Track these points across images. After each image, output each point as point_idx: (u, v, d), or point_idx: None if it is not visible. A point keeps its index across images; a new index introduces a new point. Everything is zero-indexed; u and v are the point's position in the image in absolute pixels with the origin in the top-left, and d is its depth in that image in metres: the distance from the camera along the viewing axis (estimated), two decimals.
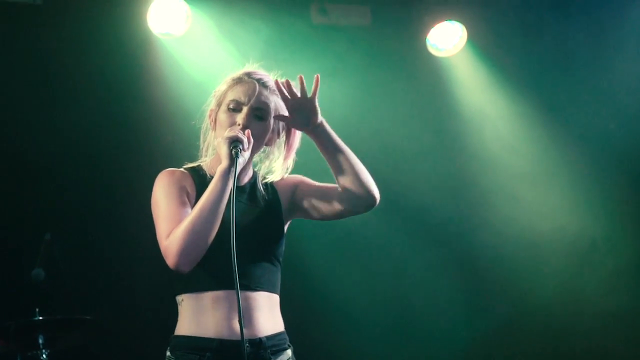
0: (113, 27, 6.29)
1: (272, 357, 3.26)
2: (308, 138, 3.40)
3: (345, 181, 3.33)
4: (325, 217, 3.46)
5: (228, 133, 3.20)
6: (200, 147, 3.50)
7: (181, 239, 3.08)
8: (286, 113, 3.35)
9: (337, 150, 3.34)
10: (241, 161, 3.18)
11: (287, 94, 3.27)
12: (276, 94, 3.33)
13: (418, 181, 7.04)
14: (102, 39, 6.28)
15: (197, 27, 6.39)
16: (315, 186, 3.49)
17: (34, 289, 5.56)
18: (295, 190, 3.51)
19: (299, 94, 3.26)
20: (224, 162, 3.16)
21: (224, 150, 3.17)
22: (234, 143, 3.17)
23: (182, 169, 3.41)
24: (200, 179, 3.36)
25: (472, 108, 7.04)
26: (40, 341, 5.23)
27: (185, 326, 3.25)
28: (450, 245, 7.16)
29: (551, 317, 7.08)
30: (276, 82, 3.29)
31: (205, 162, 3.45)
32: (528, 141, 7.07)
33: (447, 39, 6.80)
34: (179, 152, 6.36)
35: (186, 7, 6.30)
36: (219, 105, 3.37)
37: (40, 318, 5.18)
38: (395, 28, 6.79)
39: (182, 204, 3.24)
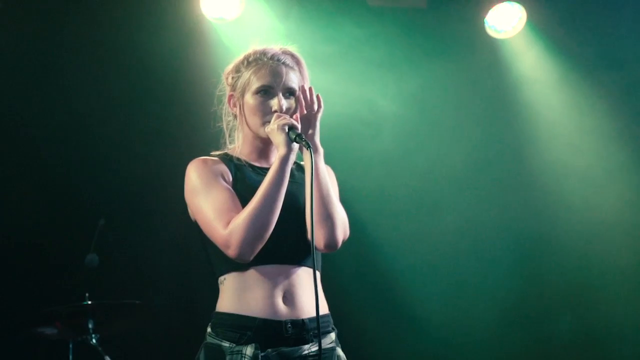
0: (164, 11, 6.38)
1: (314, 339, 3.28)
2: None
3: (315, 215, 3.31)
4: None
5: (280, 121, 3.26)
6: (224, 134, 3.56)
7: (245, 229, 3.13)
8: (305, 82, 3.46)
9: (317, 175, 3.32)
10: (296, 146, 3.26)
11: (303, 102, 3.40)
12: (295, 69, 3.43)
13: (471, 165, 7.08)
14: (153, 23, 6.38)
15: (251, 11, 6.43)
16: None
17: (87, 274, 5.64)
18: None
19: (314, 107, 3.39)
20: (282, 150, 3.22)
21: (280, 138, 3.24)
22: (292, 130, 3.24)
23: (211, 157, 3.45)
24: (234, 166, 3.41)
25: (532, 92, 6.99)
26: (90, 325, 5.37)
27: (227, 303, 3.29)
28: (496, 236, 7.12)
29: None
30: (302, 89, 3.40)
31: (232, 148, 3.51)
32: (591, 131, 6.99)
33: (506, 20, 6.75)
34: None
35: None
36: (242, 91, 3.42)
37: (90, 302, 5.30)
38: (452, 9, 6.78)
39: (229, 191, 3.29)
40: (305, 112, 3.40)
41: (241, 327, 3.24)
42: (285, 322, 3.24)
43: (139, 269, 6.43)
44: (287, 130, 3.25)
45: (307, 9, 6.55)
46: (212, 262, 3.39)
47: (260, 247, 3.18)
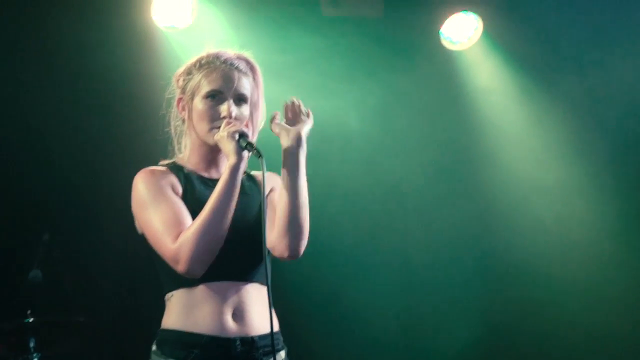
0: (115, 20, 6.25)
1: (264, 357, 3.19)
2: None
3: (283, 220, 3.23)
4: None
5: (230, 128, 3.14)
6: (173, 141, 3.44)
7: (194, 243, 3.01)
8: (254, 95, 3.36)
9: (296, 184, 3.23)
10: (246, 155, 3.14)
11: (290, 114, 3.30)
12: (248, 75, 3.33)
13: (425, 179, 6.99)
14: (104, 32, 6.25)
15: (203, 19, 6.33)
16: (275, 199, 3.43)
17: (31, 291, 5.50)
18: (271, 192, 3.49)
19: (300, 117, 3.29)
20: (232, 159, 3.10)
21: (230, 147, 3.11)
22: (243, 138, 3.13)
23: (160, 167, 3.33)
24: (184, 177, 3.29)
25: (487, 103, 6.94)
26: (31, 344, 5.21)
27: (173, 320, 3.19)
28: (459, 249, 7.08)
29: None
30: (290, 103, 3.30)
31: (181, 157, 3.40)
32: (543, 138, 6.95)
33: (462, 31, 6.70)
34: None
35: None
36: (192, 94, 3.31)
37: (31, 320, 5.16)
38: (408, 20, 6.70)
39: (178, 204, 3.17)
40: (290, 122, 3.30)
41: (188, 345, 3.13)
42: (234, 340, 3.14)
43: (84, 285, 6.26)
44: (237, 137, 3.13)
45: (260, 18, 6.46)
46: (160, 278, 3.27)
47: (210, 261, 3.06)
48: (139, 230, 3.29)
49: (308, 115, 3.32)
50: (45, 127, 6.28)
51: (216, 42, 6.25)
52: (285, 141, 3.25)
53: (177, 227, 3.08)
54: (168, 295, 3.23)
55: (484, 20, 6.65)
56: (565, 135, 6.86)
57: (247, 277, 3.22)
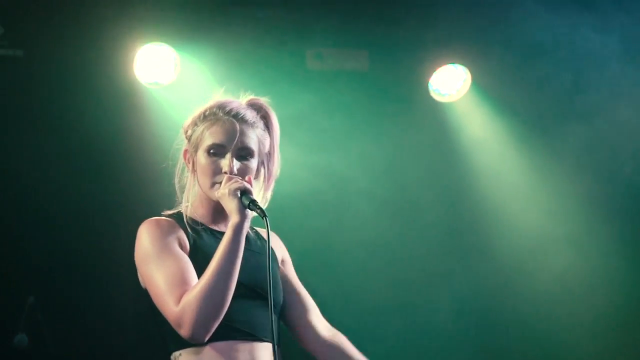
0: (97, 77, 6.18)
1: None
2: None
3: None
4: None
5: (231, 185, 3.01)
6: (176, 192, 3.32)
7: (197, 308, 2.87)
8: (266, 145, 3.26)
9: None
10: (250, 212, 3.00)
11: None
12: (256, 126, 3.21)
13: (418, 235, 6.93)
14: (86, 90, 6.17)
15: (186, 75, 6.28)
16: (294, 288, 3.40)
17: (17, 356, 5.40)
18: (282, 252, 3.44)
19: None
20: (235, 218, 2.96)
21: (232, 205, 2.98)
22: (245, 195, 2.99)
23: (165, 218, 3.21)
24: (191, 229, 3.16)
25: (483, 154, 6.92)
26: None
27: None
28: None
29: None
30: None
31: (185, 207, 3.26)
32: (538, 189, 6.92)
33: (451, 83, 6.68)
34: (168, 206, 6.37)
35: (175, 54, 6.20)
36: (196, 147, 3.20)
37: None
38: (395, 73, 6.67)
39: (181, 258, 3.03)
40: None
41: None
42: None
43: (72, 350, 6.11)
44: (239, 195, 2.99)
45: (246, 72, 6.40)
46: (164, 335, 3.11)
47: (215, 325, 2.92)
48: (142, 285, 3.16)
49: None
50: (28, 188, 6.18)
51: (201, 98, 6.30)
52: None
53: (181, 287, 2.94)
54: (175, 354, 3.08)
55: (472, 72, 6.63)
56: (569, 184, 6.83)
57: (258, 335, 3.09)
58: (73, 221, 6.27)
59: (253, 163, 3.19)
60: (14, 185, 6.18)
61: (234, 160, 3.12)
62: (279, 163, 3.33)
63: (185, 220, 3.19)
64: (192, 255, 3.08)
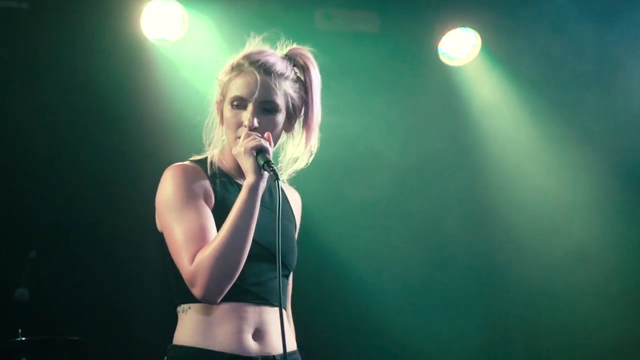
0: (103, 33, 6.17)
1: None
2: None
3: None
4: None
5: (248, 142, 2.91)
6: (204, 139, 3.19)
7: (211, 268, 2.82)
8: (299, 97, 3.13)
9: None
10: (266, 173, 2.92)
11: None
12: (286, 78, 3.08)
13: (428, 197, 6.92)
14: (92, 45, 6.17)
15: (194, 32, 6.23)
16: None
17: (18, 310, 5.38)
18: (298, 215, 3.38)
19: None
20: (251, 177, 2.89)
21: (248, 164, 2.90)
22: (262, 154, 2.90)
23: (192, 164, 3.11)
24: (217, 180, 3.08)
25: (487, 119, 6.88)
26: None
27: (188, 336, 2.99)
28: (462, 262, 7.07)
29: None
30: None
31: (213, 154, 3.15)
32: (546, 152, 6.90)
33: (460, 46, 6.64)
34: (176, 159, 6.35)
35: (182, 10, 6.15)
36: (223, 98, 3.09)
37: (23, 339, 5.04)
38: (404, 35, 6.64)
39: (203, 213, 2.96)
40: None
41: None
42: (256, 358, 2.98)
43: (74, 303, 6.10)
44: (255, 154, 2.91)
45: (253, 31, 6.33)
46: (173, 285, 3.06)
47: (228, 286, 2.88)
48: (158, 228, 3.09)
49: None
50: (33, 139, 6.17)
51: (209, 55, 6.29)
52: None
53: (198, 244, 2.89)
54: (184, 306, 3.04)
55: (482, 35, 6.59)
56: (581, 149, 6.81)
57: (268, 299, 3.05)
58: (76, 175, 6.26)
59: (278, 117, 3.07)
60: (16, 139, 6.16)
61: (255, 114, 3.02)
62: (318, 115, 3.20)
63: (212, 168, 3.12)
64: (217, 208, 3.03)
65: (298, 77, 3.15)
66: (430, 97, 6.86)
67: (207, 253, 2.85)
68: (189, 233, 2.92)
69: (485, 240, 7.05)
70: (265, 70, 3.04)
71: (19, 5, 6.13)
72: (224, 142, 3.17)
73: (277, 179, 2.87)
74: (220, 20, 6.29)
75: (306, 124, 3.18)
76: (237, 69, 3.07)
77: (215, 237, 2.88)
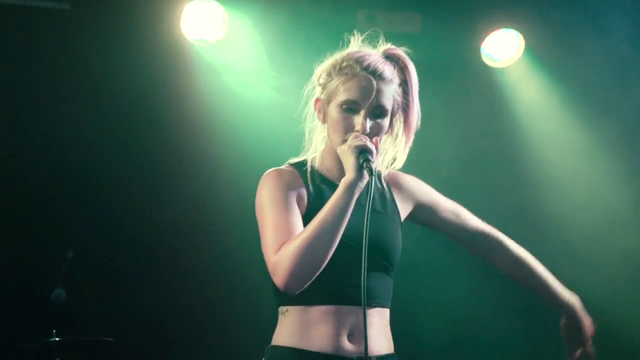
0: (144, 34, 6.20)
1: None
2: None
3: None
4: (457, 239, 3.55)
5: (354, 141, 2.95)
6: (305, 141, 3.25)
7: (294, 259, 2.85)
8: (401, 99, 3.16)
9: None
10: (367, 174, 2.92)
11: None
12: (392, 82, 3.10)
13: (474, 201, 6.85)
14: (132, 46, 6.20)
15: (234, 33, 6.23)
16: (439, 206, 3.45)
17: (55, 311, 5.44)
18: (415, 199, 3.38)
19: None
20: (350, 174, 2.91)
21: (350, 161, 2.93)
22: (363, 153, 2.92)
23: (288, 168, 3.17)
24: (312, 179, 3.14)
25: (531, 121, 6.80)
26: None
27: (286, 337, 3.06)
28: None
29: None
30: None
31: (313, 156, 3.21)
32: (591, 160, 6.79)
33: (503, 48, 6.57)
34: (214, 164, 6.37)
35: (222, 11, 6.15)
36: (329, 99, 3.10)
37: (57, 339, 5.05)
38: (447, 36, 6.56)
39: (292, 211, 3.02)
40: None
41: None
42: (351, 359, 3.02)
43: (110, 305, 6.15)
44: (358, 153, 2.93)
45: (295, 35, 6.34)
46: (275, 287, 3.08)
47: (310, 279, 2.89)
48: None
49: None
50: (76, 141, 6.23)
51: (248, 57, 6.27)
52: None
53: (285, 237, 2.93)
54: (282, 308, 3.10)
55: (525, 37, 6.52)
56: (626, 152, 6.72)
57: (369, 301, 3.05)
58: (115, 177, 6.30)
59: (385, 121, 3.09)
60: (55, 141, 6.20)
61: (367, 119, 3.04)
62: (418, 115, 3.24)
63: (309, 172, 3.17)
64: (308, 210, 3.06)
65: (400, 80, 3.17)
66: (473, 99, 6.80)
67: (293, 243, 2.88)
68: (277, 228, 2.97)
69: (534, 244, 6.97)
70: (379, 76, 3.07)
71: (59, 6, 6.15)
72: (323, 141, 3.21)
73: (372, 174, 2.89)
74: (260, 22, 6.30)
75: (406, 125, 3.22)
76: (346, 71, 3.09)
77: (303, 230, 2.92)
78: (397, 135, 3.23)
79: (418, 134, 6.56)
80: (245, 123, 6.30)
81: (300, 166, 3.19)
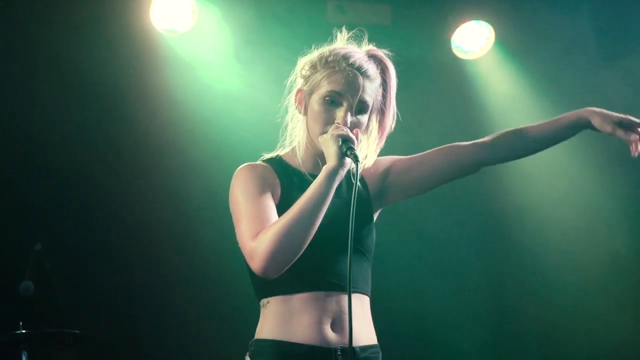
0: (112, 23, 6.15)
1: None
2: None
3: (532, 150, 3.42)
4: (432, 183, 3.37)
5: (336, 130, 2.99)
6: (283, 133, 3.29)
7: (273, 242, 2.87)
8: (379, 99, 3.19)
9: None
10: (349, 161, 2.97)
11: None
12: (374, 81, 3.15)
13: (441, 195, 6.88)
14: (100, 35, 6.15)
15: (203, 23, 6.22)
16: (420, 155, 3.35)
17: (22, 303, 5.38)
18: (389, 171, 3.33)
19: None
20: (332, 162, 2.95)
21: (332, 149, 2.97)
22: (345, 142, 2.96)
23: (261, 163, 3.20)
24: (285, 172, 3.18)
25: (501, 113, 6.81)
26: (24, 358, 5.05)
27: (269, 330, 3.07)
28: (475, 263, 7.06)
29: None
30: None
31: (286, 151, 3.26)
32: (557, 152, 6.79)
33: (473, 40, 6.59)
34: (181, 157, 6.36)
35: (192, 1, 6.13)
36: (311, 91, 3.13)
37: (24, 331, 5.01)
38: (417, 28, 6.57)
39: (266, 202, 3.05)
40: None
41: (286, 355, 3.03)
42: (335, 350, 3.04)
43: (78, 297, 6.11)
44: (340, 142, 2.97)
45: (263, 22, 6.34)
46: (254, 280, 3.13)
47: (288, 264, 2.92)
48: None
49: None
50: (41, 131, 6.17)
51: (218, 47, 6.26)
52: None
53: (261, 224, 2.96)
54: (264, 301, 3.12)
55: (496, 28, 6.55)
56: (598, 145, 6.75)
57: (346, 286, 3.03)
58: (82, 168, 6.27)
59: (365, 118, 3.15)
60: (20, 134, 6.17)
61: (349, 113, 3.08)
62: (394, 118, 3.28)
63: (282, 165, 3.22)
64: (282, 202, 3.09)
65: (381, 80, 3.22)
66: (444, 91, 6.82)
67: (272, 228, 2.92)
68: (252, 218, 3.00)
69: (502, 244, 7.03)
70: (364, 72, 3.12)
71: None
72: (300, 135, 3.23)
73: (358, 161, 2.95)
74: (230, 12, 6.27)
75: (381, 126, 3.26)
76: (332, 65, 3.12)
77: (283, 215, 2.94)
78: (370, 134, 3.25)
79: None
80: (215, 114, 6.31)
81: (273, 161, 3.22)
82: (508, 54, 6.69)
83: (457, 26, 6.56)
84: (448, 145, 3.37)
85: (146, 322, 6.23)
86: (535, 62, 6.73)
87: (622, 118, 3.20)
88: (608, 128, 3.20)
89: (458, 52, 6.65)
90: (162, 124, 6.30)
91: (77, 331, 5.21)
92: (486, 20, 6.55)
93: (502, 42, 6.62)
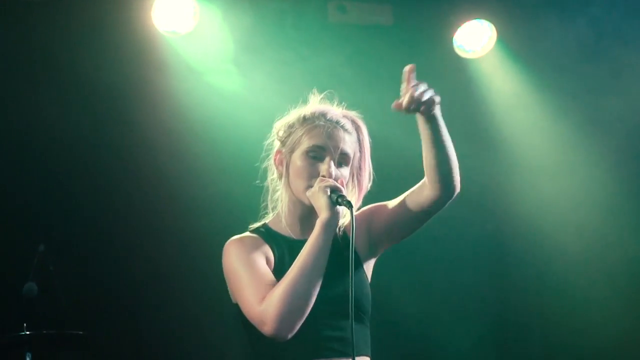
0: (114, 24, 6.17)
1: None
2: None
3: (440, 171, 3.19)
4: (411, 228, 3.26)
5: (322, 182, 3.02)
6: (264, 199, 3.30)
7: (282, 301, 2.87)
8: (355, 153, 3.21)
9: (443, 140, 3.21)
10: (340, 210, 2.99)
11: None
12: (353, 135, 3.19)
13: None
14: (102, 36, 6.17)
15: (205, 24, 6.24)
16: (393, 203, 3.26)
17: (25, 305, 5.38)
18: (371, 223, 3.28)
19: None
20: (325, 213, 2.97)
21: (322, 201, 2.98)
22: (335, 192, 2.98)
23: (249, 234, 3.20)
24: (274, 240, 3.17)
25: (504, 111, 6.86)
26: (28, 359, 5.08)
27: None
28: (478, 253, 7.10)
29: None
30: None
31: (272, 220, 3.24)
32: (562, 150, 6.88)
33: (475, 39, 6.62)
34: (183, 158, 6.37)
35: (193, 2, 6.15)
36: (292, 149, 3.16)
37: (28, 333, 5.04)
38: (419, 28, 6.62)
39: (264, 268, 3.05)
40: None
41: None
42: None
43: (82, 298, 6.11)
44: (329, 192, 2.99)
45: (265, 24, 6.36)
46: (251, 351, 3.14)
47: (299, 322, 2.91)
48: (232, 299, 3.15)
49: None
50: (43, 134, 6.19)
51: (219, 47, 6.27)
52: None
53: (266, 288, 2.96)
54: None
55: (497, 27, 6.57)
56: (600, 143, 6.78)
57: (350, 350, 2.98)
58: (84, 169, 6.28)
59: (347, 171, 3.17)
60: (24, 135, 6.19)
61: (333, 165, 3.11)
62: (370, 176, 3.29)
63: (270, 234, 3.20)
64: (277, 269, 3.08)
65: (356, 138, 3.24)
66: (446, 90, 6.75)
67: (277, 290, 2.91)
68: (255, 284, 2.99)
69: (503, 235, 7.03)
70: (342, 126, 3.17)
71: None
72: (283, 198, 3.21)
73: (351, 207, 2.96)
74: (231, 13, 6.29)
75: (359, 184, 3.25)
76: (311, 122, 3.17)
77: (286, 274, 2.95)
78: (349, 193, 3.22)
79: (392, 129, 6.63)
80: (216, 114, 6.32)
81: (260, 231, 3.21)
82: (510, 52, 6.71)
83: (459, 25, 6.59)
84: (415, 194, 3.23)
85: (150, 324, 6.25)
86: (537, 60, 6.74)
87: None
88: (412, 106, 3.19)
89: (460, 51, 6.67)
90: (164, 125, 6.31)
91: (80, 332, 5.23)
92: (488, 19, 6.57)
93: (504, 41, 6.64)
